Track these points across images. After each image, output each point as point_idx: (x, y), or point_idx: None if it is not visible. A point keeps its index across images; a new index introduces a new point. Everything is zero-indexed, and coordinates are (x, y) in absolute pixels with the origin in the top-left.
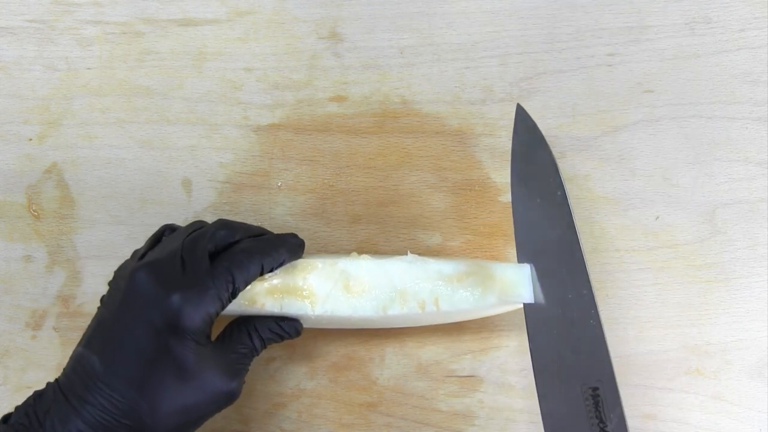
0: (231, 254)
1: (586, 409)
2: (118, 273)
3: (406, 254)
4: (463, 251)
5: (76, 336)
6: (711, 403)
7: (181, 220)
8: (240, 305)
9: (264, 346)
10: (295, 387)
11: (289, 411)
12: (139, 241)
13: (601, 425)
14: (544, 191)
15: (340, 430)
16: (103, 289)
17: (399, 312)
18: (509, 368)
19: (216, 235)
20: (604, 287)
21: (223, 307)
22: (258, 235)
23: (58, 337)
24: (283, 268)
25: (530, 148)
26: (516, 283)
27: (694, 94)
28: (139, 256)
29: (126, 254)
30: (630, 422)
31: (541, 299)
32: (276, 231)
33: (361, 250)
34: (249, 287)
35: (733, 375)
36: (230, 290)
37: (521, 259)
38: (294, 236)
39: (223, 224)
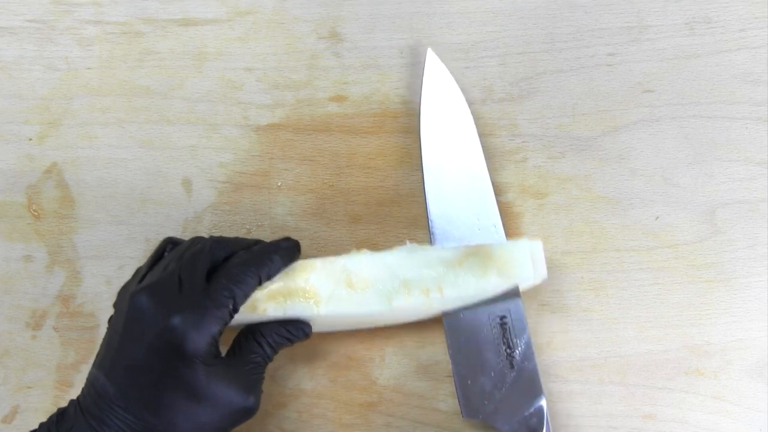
0: (227, 269)
1: (493, 338)
2: (121, 294)
3: (405, 243)
4: None
5: (76, 336)
6: (711, 403)
7: (181, 220)
8: (242, 313)
9: (275, 352)
10: (295, 387)
11: (289, 411)
12: (139, 241)
13: (508, 351)
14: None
15: (340, 430)
16: (103, 289)
17: (404, 302)
18: None
19: (212, 252)
20: (604, 287)
21: (226, 324)
22: (252, 245)
23: (58, 337)
24: (283, 272)
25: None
26: (514, 261)
27: (694, 94)
28: (140, 276)
29: (126, 254)
30: (630, 422)
31: (544, 275)
32: (276, 231)
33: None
34: None
35: (733, 375)
36: (231, 306)
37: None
38: (287, 240)
39: (216, 240)
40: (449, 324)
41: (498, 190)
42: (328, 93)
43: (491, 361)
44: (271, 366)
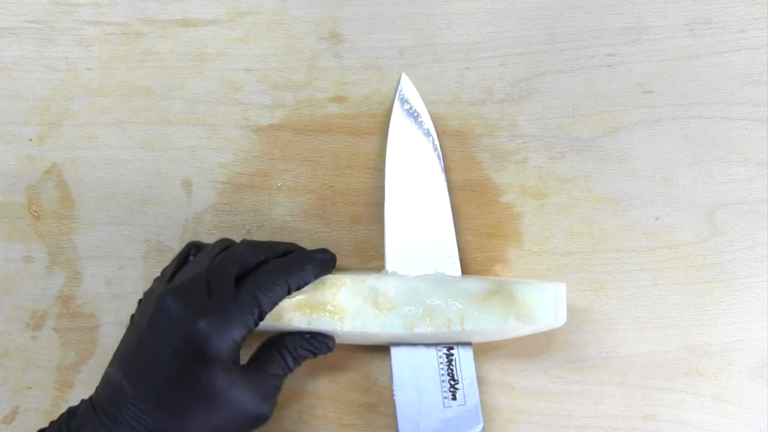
0: (256, 276)
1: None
2: (147, 294)
3: (434, 271)
4: (463, 251)
5: (76, 336)
6: (711, 403)
7: (181, 220)
8: (266, 321)
9: (298, 364)
10: (296, 387)
11: (290, 411)
12: (139, 242)
13: (452, 383)
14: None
15: (340, 430)
16: (103, 289)
17: (425, 330)
18: (509, 369)
19: (242, 257)
20: (604, 287)
21: (250, 331)
22: (286, 252)
23: (58, 337)
24: (312, 284)
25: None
26: (536, 306)
27: (694, 95)
28: (167, 277)
29: (126, 254)
30: (630, 423)
31: (564, 320)
32: (276, 232)
33: (362, 251)
34: None
35: (733, 375)
36: (256, 314)
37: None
38: (323, 252)
39: (249, 245)
40: (396, 353)
41: (498, 191)
42: (328, 94)
43: (434, 393)
44: None
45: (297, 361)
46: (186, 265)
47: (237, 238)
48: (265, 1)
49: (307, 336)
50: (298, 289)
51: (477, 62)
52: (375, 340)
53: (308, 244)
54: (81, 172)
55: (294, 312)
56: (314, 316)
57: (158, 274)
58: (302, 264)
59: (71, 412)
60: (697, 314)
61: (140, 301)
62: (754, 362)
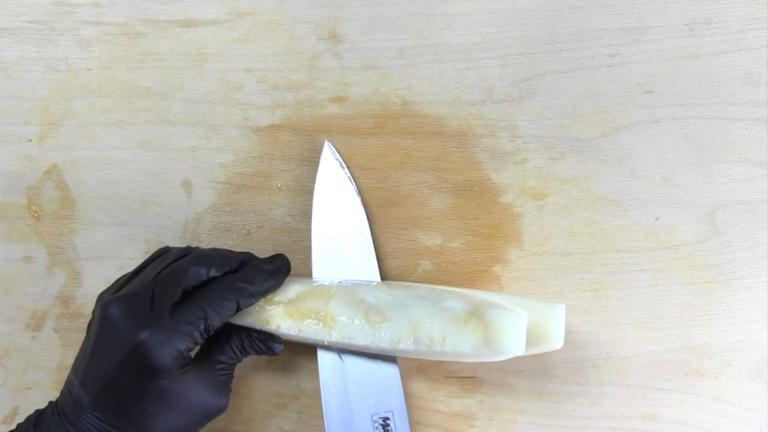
0: (206, 291)
1: None
2: (98, 299)
3: (420, 287)
4: (463, 252)
5: (76, 337)
6: (711, 403)
7: (181, 221)
8: (255, 322)
9: (244, 356)
10: (295, 387)
11: (289, 411)
12: (139, 242)
13: None
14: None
15: None
16: (103, 290)
17: (409, 347)
18: (509, 369)
19: (190, 269)
20: (604, 288)
21: (197, 343)
22: (240, 262)
23: (58, 338)
24: (303, 292)
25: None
26: (503, 334)
27: (694, 95)
28: (119, 284)
29: (126, 255)
30: (630, 423)
31: (560, 344)
32: (276, 232)
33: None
34: (265, 308)
35: (733, 376)
36: (202, 327)
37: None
38: (272, 261)
39: (199, 256)
40: (329, 414)
41: (498, 191)
42: (328, 94)
43: None
44: (271, 367)
45: (244, 355)
46: (139, 274)
47: (237, 239)
48: (265, 2)
49: (257, 337)
50: (249, 304)
51: (477, 62)
52: (361, 350)
53: (308, 245)
54: (81, 173)
55: (283, 319)
56: (304, 323)
57: None
58: (250, 279)
59: (39, 414)
60: (697, 314)
61: (93, 309)
62: (754, 362)
